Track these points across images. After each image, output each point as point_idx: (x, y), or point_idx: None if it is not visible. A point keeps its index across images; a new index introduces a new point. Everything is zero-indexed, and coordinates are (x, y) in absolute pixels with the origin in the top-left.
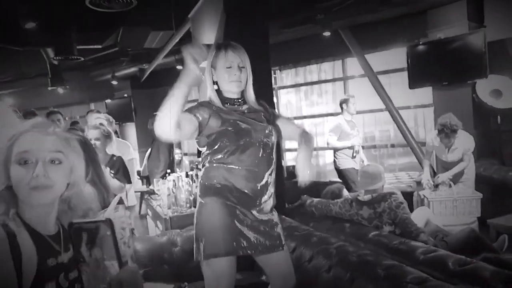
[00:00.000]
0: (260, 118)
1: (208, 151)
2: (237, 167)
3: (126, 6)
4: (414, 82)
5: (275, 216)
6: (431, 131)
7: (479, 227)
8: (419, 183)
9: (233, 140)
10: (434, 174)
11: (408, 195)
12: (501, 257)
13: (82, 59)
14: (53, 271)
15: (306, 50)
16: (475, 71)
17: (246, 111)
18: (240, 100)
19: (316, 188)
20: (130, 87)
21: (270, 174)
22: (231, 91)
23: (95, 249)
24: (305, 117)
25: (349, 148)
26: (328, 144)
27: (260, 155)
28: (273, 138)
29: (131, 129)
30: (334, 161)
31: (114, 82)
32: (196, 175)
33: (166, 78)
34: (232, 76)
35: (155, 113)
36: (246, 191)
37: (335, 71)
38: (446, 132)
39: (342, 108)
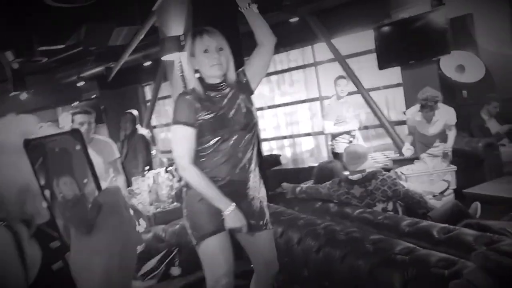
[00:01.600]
0: (240, 100)
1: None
2: (219, 157)
3: (87, 0)
4: (383, 63)
5: (261, 198)
6: (410, 108)
7: (455, 198)
8: (395, 161)
9: (213, 131)
10: None
11: None
12: (482, 222)
13: (46, 59)
14: (57, 253)
15: None
16: (439, 48)
17: (228, 95)
18: (222, 84)
19: (296, 174)
20: (98, 87)
21: (252, 158)
22: (213, 75)
23: (64, 177)
24: (278, 105)
25: (346, 132)
26: (324, 130)
27: (242, 140)
28: (254, 119)
29: (102, 130)
30: (332, 146)
31: (81, 83)
32: (176, 169)
33: (134, 75)
34: (212, 60)
35: (126, 111)
36: (230, 178)
37: (304, 58)
38: (430, 105)
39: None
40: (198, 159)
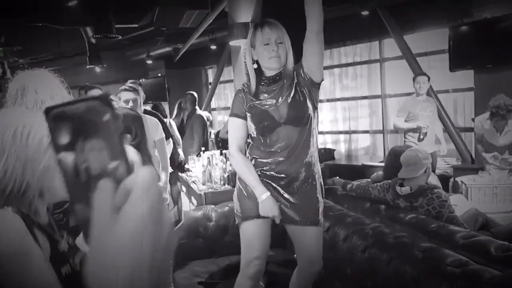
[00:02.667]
0: (295, 92)
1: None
2: (267, 148)
3: None
4: (455, 64)
5: (314, 196)
6: (480, 115)
7: None
8: (456, 169)
9: (258, 122)
10: (472, 161)
11: (444, 181)
12: None
13: (120, 37)
14: (64, 256)
15: (342, 30)
16: None
17: (283, 88)
18: (277, 77)
19: (348, 171)
20: (164, 66)
21: (303, 152)
22: (270, 67)
23: (92, 140)
24: (338, 99)
25: (415, 130)
26: (394, 126)
27: (293, 132)
28: (307, 113)
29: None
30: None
31: (149, 62)
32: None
33: (200, 58)
34: (270, 52)
35: (187, 91)
36: (278, 169)
37: (371, 53)
38: (501, 114)
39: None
40: (248, 148)
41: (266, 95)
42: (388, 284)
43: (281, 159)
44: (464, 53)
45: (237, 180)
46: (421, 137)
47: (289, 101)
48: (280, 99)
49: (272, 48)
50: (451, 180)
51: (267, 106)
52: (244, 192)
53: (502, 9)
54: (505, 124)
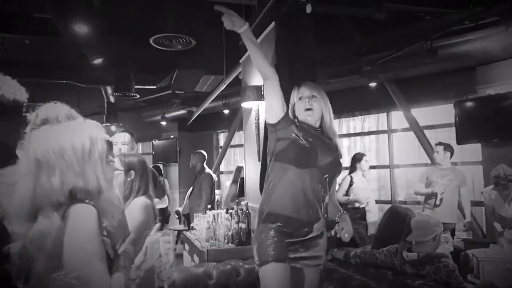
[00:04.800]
0: (331, 149)
1: (273, 158)
2: (294, 188)
3: (185, 45)
4: (462, 138)
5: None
6: (488, 187)
7: None
8: (466, 243)
9: (298, 154)
10: (483, 235)
11: (454, 254)
12: None
13: (138, 96)
14: None
15: (351, 101)
16: None
17: (322, 139)
18: (319, 130)
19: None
20: (178, 128)
21: (321, 207)
22: (306, 121)
23: None
24: (345, 168)
25: (431, 197)
26: (414, 192)
27: (319, 181)
28: (336, 173)
29: (174, 169)
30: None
31: (163, 123)
32: (236, 212)
33: (212, 121)
34: (304, 104)
35: (196, 150)
36: (299, 218)
37: (379, 124)
38: (502, 184)
39: None
40: (270, 187)
41: (308, 134)
42: None
43: (301, 206)
44: (470, 127)
45: (257, 227)
46: (437, 202)
47: (328, 152)
48: (322, 147)
49: (305, 100)
50: (462, 254)
51: (310, 146)
52: (264, 235)
53: (504, 87)
54: (509, 194)
